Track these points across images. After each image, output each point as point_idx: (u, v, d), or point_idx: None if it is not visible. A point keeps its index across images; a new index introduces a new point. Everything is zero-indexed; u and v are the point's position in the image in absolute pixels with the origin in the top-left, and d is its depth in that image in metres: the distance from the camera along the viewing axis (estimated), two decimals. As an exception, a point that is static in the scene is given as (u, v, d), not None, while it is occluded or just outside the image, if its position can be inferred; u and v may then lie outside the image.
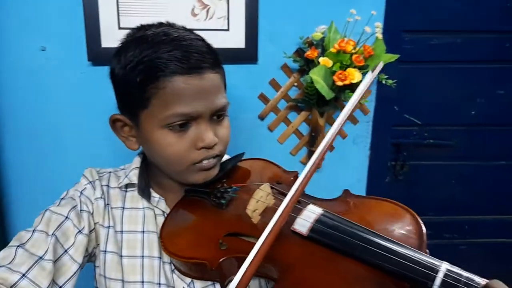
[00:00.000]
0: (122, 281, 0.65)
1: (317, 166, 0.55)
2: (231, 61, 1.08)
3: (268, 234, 0.47)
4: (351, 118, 1.18)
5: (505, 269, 1.47)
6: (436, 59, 1.26)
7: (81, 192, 0.67)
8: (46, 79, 1.05)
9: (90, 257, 0.68)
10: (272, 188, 0.67)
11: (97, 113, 1.06)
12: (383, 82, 1.07)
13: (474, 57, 1.27)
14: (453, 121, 1.32)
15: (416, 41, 1.23)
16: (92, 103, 1.06)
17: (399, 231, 0.53)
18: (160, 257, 0.66)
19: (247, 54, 1.08)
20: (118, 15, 1.01)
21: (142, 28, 0.64)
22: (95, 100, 1.06)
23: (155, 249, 0.66)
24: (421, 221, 0.54)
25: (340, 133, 1.19)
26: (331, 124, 1.17)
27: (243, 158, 0.78)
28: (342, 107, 1.16)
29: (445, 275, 0.45)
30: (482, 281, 0.43)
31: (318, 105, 1.10)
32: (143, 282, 0.65)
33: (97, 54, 1.02)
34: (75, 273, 0.61)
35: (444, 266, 0.46)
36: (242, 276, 0.43)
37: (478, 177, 1.38)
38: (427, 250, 0.51)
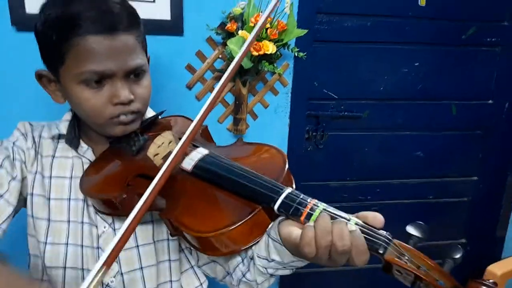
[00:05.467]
0: (48, 220, 0.72)
1: (210, 110, 0.65)
2: (157, 32, 1.15)
3: (161, 175, 0.55)
4: (272, 89, 1.30)
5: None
6: (348, 39, 1.42)
7: (13, 143, 0.73)
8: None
9: (25, 203, 0.74)
10: (179, 138, 0.76)
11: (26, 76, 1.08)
12: (296, 54, 1.20)
13: (381, 38, 1.44)
14: (365, 96, 1.50)
15: (330, 22, 1.38)
16: (19, 67, 1.08)
17: (265, 167, 0.63)
18: (84, 200, 0.73)
19: (172, 26, 1.15)
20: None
21: None
22: (22, 64, 1.08)
23: (81, 193, 0.72)
24: (286, 161, 0.64)
25: (262, 102, 1.31)
26: (253, 94, 1.29)
27: (164, 116, 0.89)
28: (263, 78, 1.28)
29: (286, 197, 0.54)
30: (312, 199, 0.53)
31: (240, 75, 1.20)
32: (69, 221, 0.72)
33: (21, 19, 1.04)
34: (10, 214, 0.68)
35: (287, 191, 0.55)
36: (139, 209, 0.51)
37: (387, 145, 1.57)
38: (293, 185, 0.61)
